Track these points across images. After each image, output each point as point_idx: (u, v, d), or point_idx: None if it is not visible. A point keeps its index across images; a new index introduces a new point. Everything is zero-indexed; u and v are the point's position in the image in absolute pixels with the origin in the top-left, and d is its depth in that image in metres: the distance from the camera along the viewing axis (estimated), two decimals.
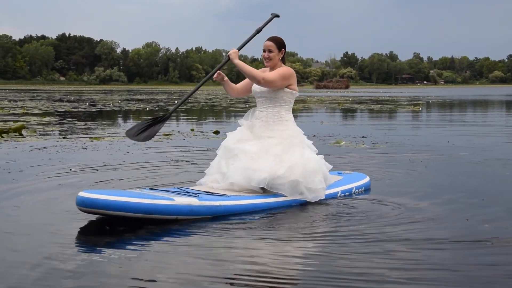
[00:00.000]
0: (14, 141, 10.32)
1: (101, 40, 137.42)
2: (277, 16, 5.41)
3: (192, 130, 13.02)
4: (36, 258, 3.54)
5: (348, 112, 23.40)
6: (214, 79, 5.45)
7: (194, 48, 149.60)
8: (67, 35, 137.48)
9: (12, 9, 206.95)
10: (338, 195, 5.35)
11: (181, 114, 19.15)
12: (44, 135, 11.78)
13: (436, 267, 3.41)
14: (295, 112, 21.23)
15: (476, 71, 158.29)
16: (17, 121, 15.11)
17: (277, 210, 4.79)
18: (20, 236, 4.07)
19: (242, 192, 4.91)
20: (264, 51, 5.25)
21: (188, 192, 4.76)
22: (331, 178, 5.46)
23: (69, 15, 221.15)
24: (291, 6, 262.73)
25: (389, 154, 9.04)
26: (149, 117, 5.48)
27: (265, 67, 5.41)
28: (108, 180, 6.25)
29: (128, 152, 8.72)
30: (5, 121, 15.39)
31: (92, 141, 10.52)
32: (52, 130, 13.09)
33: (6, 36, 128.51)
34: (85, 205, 4.15)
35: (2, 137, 10.87)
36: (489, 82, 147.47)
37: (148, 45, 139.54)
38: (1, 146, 9.69)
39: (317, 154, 5.31)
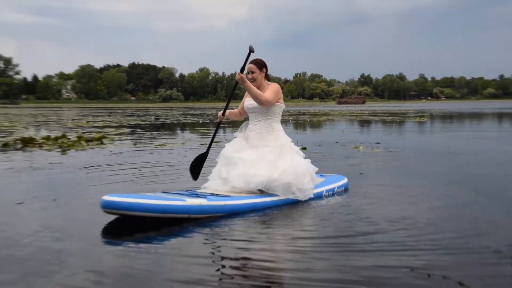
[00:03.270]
0: (97, 147, 11.13)
1: (163, 66, 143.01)
2: (251, 50, 5.10)
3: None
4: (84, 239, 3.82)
5: (364, 123, 23.77)
6: (219, 119, 5.53)
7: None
8: (136, 63, 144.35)
9: (93, 43, 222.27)
10: (323, 194, 5.32)
11: (227, 125, 18.67)
12: (119, 143, 12.46)
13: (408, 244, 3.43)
14: (323, 122, 21.60)
15: (472, 88, 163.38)
16: (99, 132, 16.11)
17: (273, 209, 4.74)
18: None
19: (242, 193, 4.83)
20: (248, 73, 5.24)
21: (197, 194, 4.70)
22: (317, 179, 5.40)
23: (138, 47, 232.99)
24: (319, 34, 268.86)
25: (395, 157, 9.21)
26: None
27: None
28: (171, 177, 6.52)
29: (185, 156, 9.17)
30: (89, 132, 16.26)
31: (157, 147, 11.13)
32: (125, 139, 13.80)
33: (90, 65, 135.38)
34: (108, 207, 4.11)
35: (88, 144, 11.70)
36: (483, 97, 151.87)
37: (200, 70, 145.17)
38: (88, 151, 10.34)
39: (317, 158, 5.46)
